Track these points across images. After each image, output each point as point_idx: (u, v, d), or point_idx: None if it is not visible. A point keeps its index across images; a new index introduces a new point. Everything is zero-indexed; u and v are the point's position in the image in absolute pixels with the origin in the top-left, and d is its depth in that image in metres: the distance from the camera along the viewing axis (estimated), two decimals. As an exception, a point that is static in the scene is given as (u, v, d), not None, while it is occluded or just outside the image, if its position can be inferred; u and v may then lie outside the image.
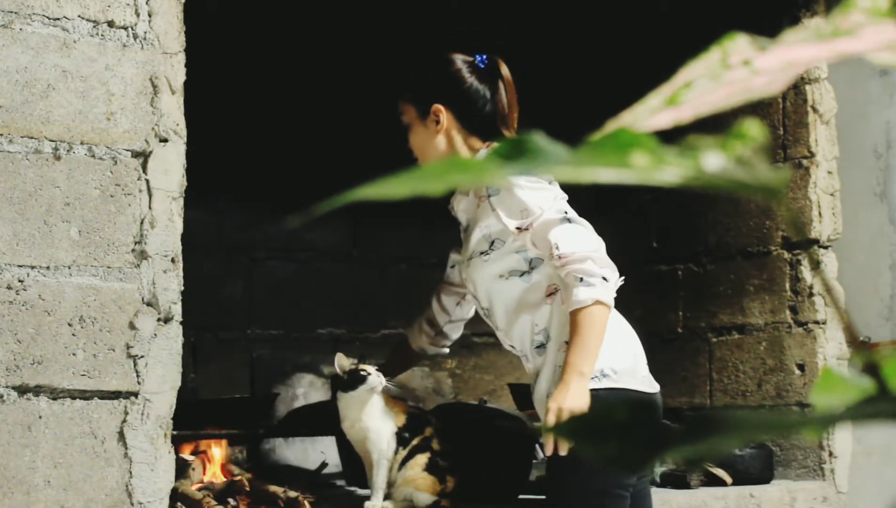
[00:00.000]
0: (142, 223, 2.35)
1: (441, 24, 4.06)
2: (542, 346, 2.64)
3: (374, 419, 2.79)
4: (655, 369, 2.73)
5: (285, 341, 4.10)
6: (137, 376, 2.32)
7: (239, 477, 2.94)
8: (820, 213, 3.72)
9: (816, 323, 3.71)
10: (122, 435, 2.30)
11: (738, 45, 0.62)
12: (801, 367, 3.74)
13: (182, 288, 2.40)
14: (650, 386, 2.65)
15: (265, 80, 3.98)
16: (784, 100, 3.83)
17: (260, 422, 3.44)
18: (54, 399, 2.24)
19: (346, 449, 3.04)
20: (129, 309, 2.32)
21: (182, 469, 2.84)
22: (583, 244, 2.53)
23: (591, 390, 2.52)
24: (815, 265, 4.01)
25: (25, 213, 2.23)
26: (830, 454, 3.68)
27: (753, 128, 0.58)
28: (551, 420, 2.45)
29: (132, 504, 2.29)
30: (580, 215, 2.63)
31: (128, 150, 2.35)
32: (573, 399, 2.45)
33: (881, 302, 3.73)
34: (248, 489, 2.87)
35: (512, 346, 2.74)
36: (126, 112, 2.35)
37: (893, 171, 3.74)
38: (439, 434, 2.85)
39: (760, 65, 0.61)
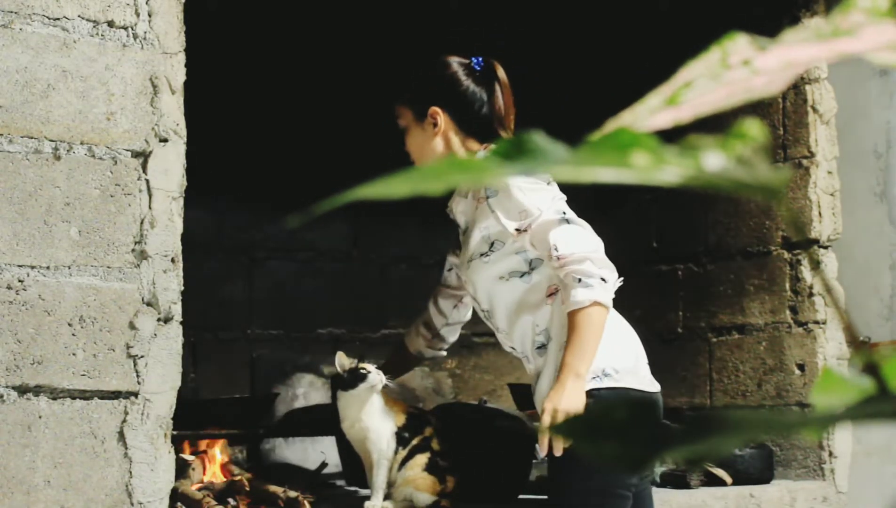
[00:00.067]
0: (142, 223, 2.35)
1: (441, 24, 4.06)
2: (543, 347, 2.64)
3: (373, 419, 2.79)
4: (655, 369, 2.73)
5: (285, 341, 4.10)
6: (137, 376, 2.32)
7: (239, 477, 2.94)
8: (820, 213, 3.72)
9: (816, 323, 3.71)
10: (122, 435, 2.30)
11: (738, 45, 0.62)
12: (801, 367, 3.74)
13: (182, 288, 2.40)
14: (651, 385, 2.65)
15: (265, 80, 3.98)
16: (784, 100, 3.83)
17: (260, 422, 3.44)
18: (54, 399, 2.24)
19: (346, 449, 3.04)
20: (129, 309, 2.32)
21: (182, 469, 2.84)
22: (581, 245, 2.53)
23: (593, 389, 2.53)
24: (815, 265, 4.01)
25: (25, 213, 2.23)
26: (830, 454, 3.68)
27: (753, 128, 0.58)
28: (546, 420, 2.45)
29: (132, 504, 2.29)
30: (580, 215, 2.63)
31: (128, 150, 2.35)
32: (569, 399, 2.45)
33: (881, 302, 3.73)
34: (248, 489, 2.87)
35: (513, 348, 2.74)
36: (126, 112, 2.35)
37: (893, 171, 3.74)
38: (439, 434, 2.85)
39: (760, 65, 0.61)
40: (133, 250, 2.34)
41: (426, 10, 4.05)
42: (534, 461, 3.09)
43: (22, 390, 2.21)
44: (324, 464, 3.42)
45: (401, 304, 4.24)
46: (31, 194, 2.24)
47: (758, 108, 3.80)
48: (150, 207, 2.36)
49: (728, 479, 3.49)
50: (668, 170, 0.56)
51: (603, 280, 2.51)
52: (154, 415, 2.33)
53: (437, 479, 2.79)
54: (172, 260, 2.38)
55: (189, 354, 3.66)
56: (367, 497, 2.80)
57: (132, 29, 2.36)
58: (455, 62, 2.77)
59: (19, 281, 2.22)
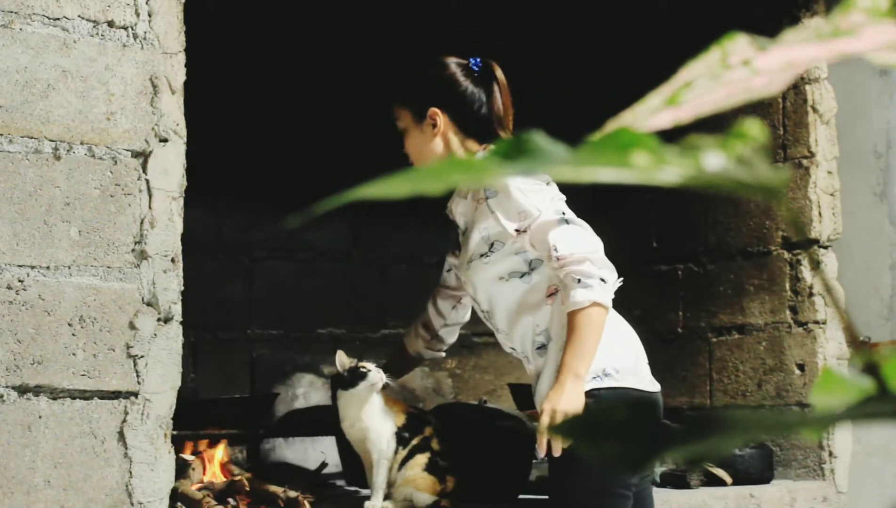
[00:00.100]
0: (142, 223, 2.35)
1: (441, 24, 4.06)
2: (543, 347, 2.64)
3: (373, 418, 2.79)
4: (655, 369, 2.73)
5: (285, 341, 4.10)
6: (137, 376, 2.32)
7: (239, 477, 2.94)
8: (820, 213, 3.72)
9: (816, 323, 3.71)
10: (122, 435, 2.30)
11: (738, 45, 0.62)
12: (801, 367, 3.74)
13: (182, 288, 2.40)
14: (651, 385, 2.65)
15: (265, 80, 3.98)
16: (784, 100, 3.83)
17: (260, 422, 3.44)
18: (54, 399, 2.24)
19: (346, 449, 3.04)
20: (129, 309, 2.32)
21: (182, 469, 2.84)
22: (581, 245, 2.53)
23: (593, 389, 2.53)
24: (815, 265, 4.01)
25: (25, 213, 2.23)
26: (830, 454, 3.68)
27: (754, 128, 0.58)
28: (545, 421, 2.45)
29: (132, 504, 2.29)
30: (580, 215, 2.63)
31: (128, 150, 2.35)
32: (567, 400, 2.45)
33: (881, 302, 3.73)
34: (248, 489, 2.87)
35: (513, 349, 2.74)
36: (126, 112, 2.35)
37: (893, 171, 3.74)
38: (439, 434, 2.85)
39: (760, 65, 0.61)
40: (133, 250, 2.34)
41: (426, 10, 4.05)
42: (534, 461, 3.09)
43: (22, 390, 2.21)
44: (324, 464, 3.42)
45: (401, 304, 4.24)
46: (31, 194, 2.24)
47: (758, 108, 3.80)
48: (150, 207, 2.36)
49: (728, 479, 3.49)
50: (669, 170, 0.56)
51: (602, 280, 2.51)
52: (154, 415, 2.33)
53: (437, 479, 2.79)
54: (172, 261, 2.38)
55: (189, 354, 3.66)
56: (367, 497, 2.80)
57: (132, 29, 2.36)
58: (453, 63, 2.77)
59: (19, 281, 2.22)
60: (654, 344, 3.65)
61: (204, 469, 3.08)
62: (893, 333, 3.68)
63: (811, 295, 3.72)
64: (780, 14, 3.76)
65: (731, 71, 0.61)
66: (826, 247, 3.74)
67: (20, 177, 2.23)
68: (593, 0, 4.22)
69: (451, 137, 2.73)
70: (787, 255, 3.81)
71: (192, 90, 2.47)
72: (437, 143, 2.73)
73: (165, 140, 2.39)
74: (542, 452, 2.52)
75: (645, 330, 3.17)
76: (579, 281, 2.49)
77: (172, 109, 2.40)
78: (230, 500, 2.84)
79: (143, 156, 2.36)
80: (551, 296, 2.63)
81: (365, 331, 4.24)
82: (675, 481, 3.41)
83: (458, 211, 2.79)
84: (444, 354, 3.16)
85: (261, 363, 4.04)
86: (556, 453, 2.49)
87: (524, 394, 3.23)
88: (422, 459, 2.79)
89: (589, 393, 2.52)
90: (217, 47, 3.40)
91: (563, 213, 2.59)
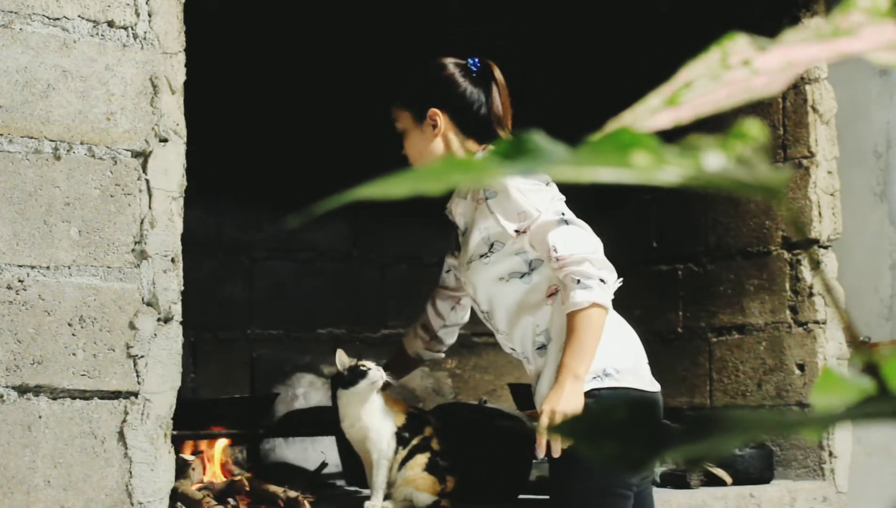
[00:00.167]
0: (142, 223, 2.35)
1: (441, 24, 4.06)
2: (543, 347, 2.64)
3: (374, 418, 2.79)
4: (655, 369, 2.73)
5: (285, 341, 4.10)
6: (137, 376, 2.32)
7: (239, 477, 2.94)
8: (820, 213, 3.72)
9: (816, 323, 3.71)
10: (122, 435, 2.30)
11: (738, 45, 0.62)
12: (801, 367, 3.74)
13: (182, 288, 2.40)
14: (651, 385, 2.65)
15: (265, 80, 3.98)
16: (784, 100, 3.83)
17: (260, 422, 3.44)
18: (54, 399, 2.24)
19: (346, 449, 3.04)
20: (129, 309, 2.32)
21: (182, 469, 2.84)
22: (580, 246, 2.53)
23: (594, 389, 2.53)
24: (815, 265, 4.01)
25: (25, 213, 2.23)
26: (830, 454, 3.68)
27: (754, 128, 0.58)
28: (544, 422, 2.45)
29: (132, 504, 2.29)
30: (580, 215, 2.63)
31: (128, 150, 2.35)
32: (567, 401, 2.45)
33: (881, 302, 3.73)
34: (248, 489, 2.87)
35: (513, 349, 2.74)
36: (126, 112, 2.35)
37: (893, 171, 3.74)
38: (439, 434, 2.85)
39: (760, 65, 0.61)
40: (133, 250, 2.34)
41: (426, 10, 4.05)
42: (534, 461, 3.09)
43: (22, 390, 2.21)
44: (324, 464, 3.42)
45: (401, 304, 4.24)
46: (31, 194, 2.24)
47: (758, 108, 3.80)
48: (150, 207, 2.36)
49: (728, 479, 3.49)
50: (669, 170, 0.56)
51: (602, 281, 2.51)
52: (154, 415, 2.33)
53: (437, 479, 2.79)
54: (172, 261, 2.38)
55: (189, 354, 3.66)
56: (367, 497, 2.80)
57: (132, 29, 2.36)
58: (452, 63, 2.77)
59: (19, 281, 2.22)
60: (654, 344, 3.65)
61: (204, 469, 3.08)
62: (893, 333, 3.68)
63: (811, 295, 3.72)
64: (780, 14, 3.76)
65: (731, 71, 0.61)
66: (826, 247, 3.74)
67: (20, 177, 2.23)
68: (593, 0, 4.22)
69: (450, 138, 2.73)
70: (787, 255, 3.81)
71: (192, 90, 2.47)
72: (438, 144, 2.73)
73: (165, 140, 2.39)
74: (541, 453, 2.52)
75: (645, 330, 3.17)
76: (579, 281, 2.49)
77: (172, 109, 2.40)
78: (230, 500, 2.84)
79: (143, 156, 2.37)
80: (551, 297, 2.63)
81: (365, 331, 4.24)
82: (675, 481, 3.41)
83: (458, 211, 2.78)
84: (443, 355, 3.16)
85: (261, 363, 4.04)
86: (556, 454, 2.49)
87: (524, 394, 3.23)
88: (422, 459, 2.79)
89: (589, 393, 2.52)
90: (217, 47, 3.40)
91: (563, 214, 2.59)
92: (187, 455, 3.01)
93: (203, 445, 3.18)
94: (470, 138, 2.74)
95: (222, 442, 3.21)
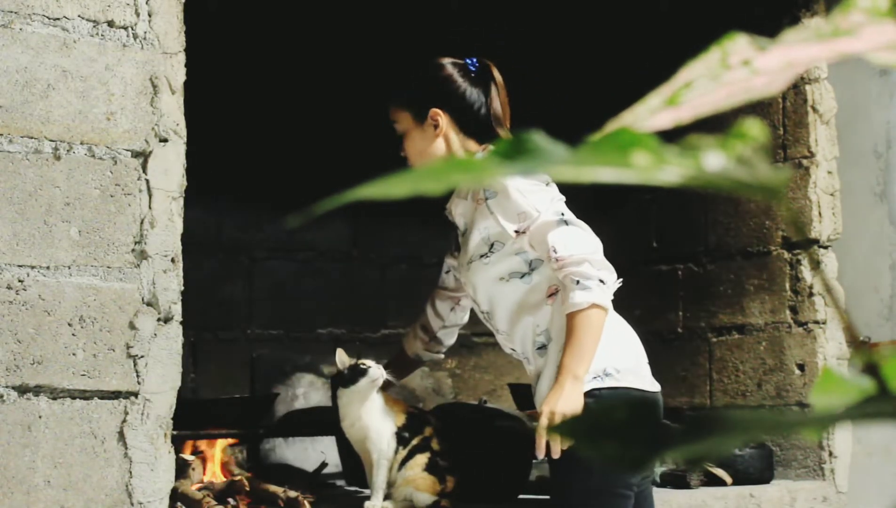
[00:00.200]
0: (142, 223, 2.35)
1: (441, 24, 4.06)
2: (543, 347, 2.64)
3: (374, 418, 2.79)
4: (655, 369, 2.73)
5: (285, 341, 4.10)
6: (137, 376, 2.32)
7: (239, 477, 2.94)
8: (820, 213, 3.72)
9: (816, 323, 3.71)
10: (122, 435, 2.30)
11: (738, 45, 0.62)
12: (801, 367, 3.74)
13: (182, 288, 2.40)
14: (652, 385, 2.65)
15: (265, 80, 3.98)
16: (784, 100, 3.83)
17: (260, 422, 3.44)
18: (54, 399, 2.24)
19: (346, 449, 3.04)
20: (129, 309, 2.32)
21: (182, 469, 2.84)
22: (580, 246, 2.53)
23: (594, 389, 2.53)
24: (815, 265, 4.01)
25: (25, 213, 2.23)
26: (830, 454, 3.68)
27: (754, 128, 0.58)
28: (544, 423, 2.45)
29: (132, 504, 2.29)
30: (580, 215, 2.63)
31: (128, 150, 2.35)
32: (566, 402, 2.45)
33: (881, 302, 3.73)
34: (248, 489, 2.87)
35: (513, 349, 2.74)
36: (126, 112, 2.35)
37: (893, 171, 3.74)
38: (439, 434, 2.85)
39: (760, 65, 0.61)
40: (133, 250, 2.34)
41: (426, 10, 4.05)
42: (534, 461, 3.09)
43: (22, 390, 2.21)
44: (324, 464, 3.42)
45: (401, 304, 4.24)
46: (31, 194, 2.24)
47: (758, 108, 3.80)
48: (150, 207, 2.36)
49: (728, 479, 3.49)
50: (669, 170, 0.56)
51: (601, 282, 2.50)
52: (154, 415, 2.33)
53: (437, 479, 2.79)
54: (172, 261, 2.38)
55: (189, 354, 3.66)
56: (367, 497, 2.80)
57: (132, 29, 2.36)
58: (452, 63, 2.77)
59: (19, 281, 2.22)
60: (654, 344, 3.65)
61: (204, 469, 3.08)
62: (893, 333, 3.68)
63: (811, 295, 3.72)
64: (780, 14, 3.76)
65: (731, 71, 0.61)
66: (826, 247, 3.74)
67: (20, 177, 2.23)
68: (593, 0, 4.22)
69: (452, 137, 2.73)
70: (787, 255, 3.81)
71: (192, 90, 2.47)
72: (439, 144, 2.72)
73: (165, 140, 2.39)
74: (540, 454, 2.52)
75: (645, 330, 3.17)
76: (578, 282, 2.49)
77: (172, 109, 2.40)
78: (230, 500, 2.84)
79: (143, 156, 2.36)
80: (552, 296, 2.63)
81: (365, 331, 4.24)
82: (675, 481, 3.41)
83: (458, 212, 2.78)
84: (443, 356, 3.16)
85: (261, 363, 4.04)
86: (556, 455, 2.49)
87: (524, 394, 3.23)
88: (422, 459, 2.79)
89: (590, 393, 2.52)
90: (217, 47, 3.40)
91: (563, 214, 2.59)
92: (187, 455, 3.01)
93: (203, 445, 3.18)
94: (470, 138, 2.74)
95: (222, 442, 3.22)
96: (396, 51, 3.65)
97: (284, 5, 3.99)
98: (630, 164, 0.55)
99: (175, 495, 2.53)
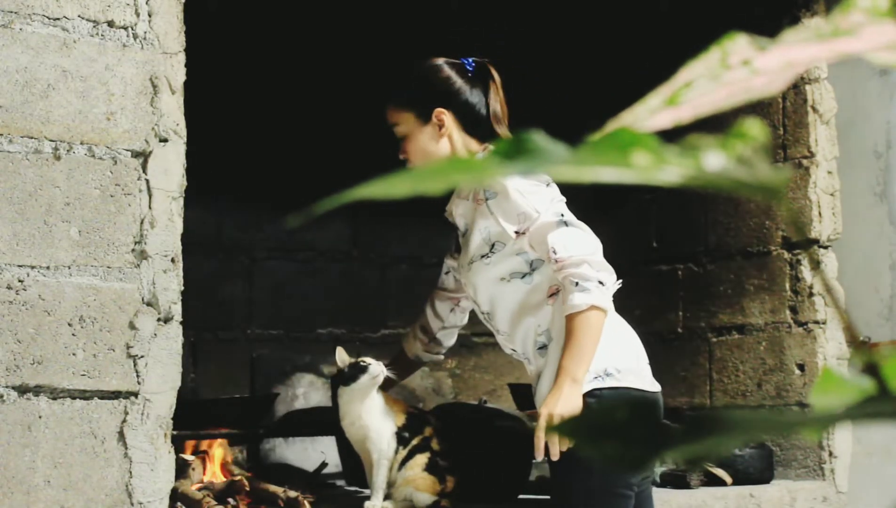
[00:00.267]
0: (142, 223, 2.35)
1: (441, 24, 4.06)
2: (544, 348, 2.64)
3: (374, 418, 2.79)
4: (655, 369, 2.73)
5: (285, 341, 4.10)
6: (137, 376, 2.32)
7: (239, 477, 2.94)
8: (820, 213, 3.72)
9: (816, 323, 3.71)
10: (122, 435, 2.30)
11: (738, 45, 0.62)
12: (801, 367, 3.74)
13: (182, 288, 2.40)
14: (652, 385, 2.65)
15: (265, 80, 3.98)
16: (784, 100, 3.83)
17: (260, 422, 3.44)
18: (54, 399, 2.24)
19: (346, 449, 3.04)
20: (129, 309, 2.32)
21: (182, 469, 2.84)
22: (579, 247, 2.53)
23: (595, 389, 2.53)
24: (815, 265, 4.01)
25: (25, 213, 2.23)
26: (830, 454, 3.68)
27: (754, 128, 0.58)
28: (542, 424, 2.45)
29: (132, 504, 2.29)
30: (580, 215, 2.63)
31: (128, 150, 2.35)
32: (565, 403, 2.45)
33: (881, 302, 3.73)
34: (248, 489, 2.87)
35: (514, 350, 2.74)
36: (126, 112, 2.35)
37: (893, 171, 3.74)
38: (439, 434, 2.85)
39: (760, 65, 0.61)
40: (133, 250, 2.34)
41: (426, 10, 4.05)
42: (534, 461, 3.10)
43: (22, 390, 2.21)
44: (324, 464, 3.42)
45: (401, 304, 4.25)
46: (31, 194, 2.24)
47: (758, 108, 3.80)
48: (150, 207, 2.36)
49: (728, 479, 3.49)
50: (669, 170, 0.56)
51: (601, 283, 2.50)
52: (154, 415, 2.33)
53: (437, 479, 2.79)
54: (172, 261, 2.38)
55: (189, 354, 3.66)
56: (367, 497, 2.80)
57: (132, 29, 2.36)
58: (449, 63, 2.77)
59: (19, 281, 2.22)
60: (654, 344, 3.65)
61: (204, 469, 3.08)
62: (893, 333, 3.68)
63: (811, 295, 3.72)
64: (780, 14, 3.76)
65: (731, 71, 0.61)
66: (826, 247, 3.74)
67: (20, 177, 2.23)
68: (593, 0, 4.22)
69: (455, 137, 2.72)
70: (787, 255, 3.81)
71: (192, 90, 2.47)
72: (444, 144, 2.72)
73: (165, 140, 2.39)
74: (539, 455, 2.52)
75: (645, 330, 3.17)
76: (577, 284, 2.49)
77: (172, 109, 2.40)
78: (230, 500, 2.84)
79: (143, 156, 2.36)
80: (552, 297, 2.63)
81: (365, 331, 4.24)
82: (675, 481, 3.41)
83: (458, 212, 2.78)
84: (442, 357, 3.15)
85: (261, 363, 4.04)
86: (555, 457, 2.49)
87: (524, 394, 3.23)
88: (422, 459, 2.79)
89: (590, 393, 2.52)
90: (217, 47, 3.40)
91: (563, 215, 2.59)
92: (187, 456, 3.01)
93: (203, 445, 3.18)
94: (472, 137, 2.74)
95: (222, 442, 3.21)
96: (396, 51, 3.65)
97: (284, 5, 3.99)
98: (630, 164, 0.55)
99: (175, 495, 2.53)
